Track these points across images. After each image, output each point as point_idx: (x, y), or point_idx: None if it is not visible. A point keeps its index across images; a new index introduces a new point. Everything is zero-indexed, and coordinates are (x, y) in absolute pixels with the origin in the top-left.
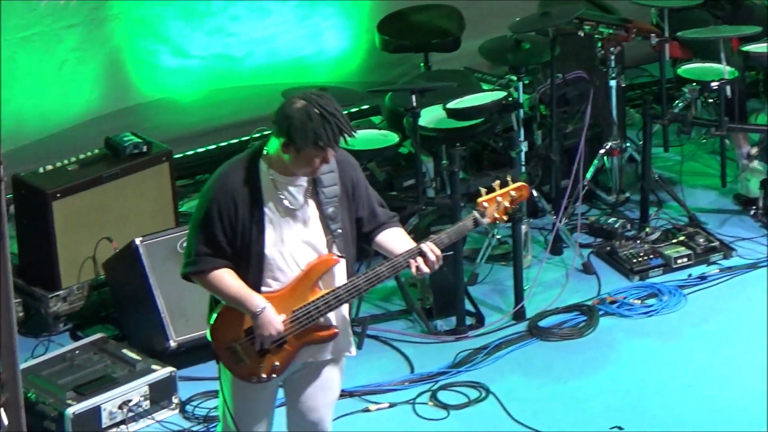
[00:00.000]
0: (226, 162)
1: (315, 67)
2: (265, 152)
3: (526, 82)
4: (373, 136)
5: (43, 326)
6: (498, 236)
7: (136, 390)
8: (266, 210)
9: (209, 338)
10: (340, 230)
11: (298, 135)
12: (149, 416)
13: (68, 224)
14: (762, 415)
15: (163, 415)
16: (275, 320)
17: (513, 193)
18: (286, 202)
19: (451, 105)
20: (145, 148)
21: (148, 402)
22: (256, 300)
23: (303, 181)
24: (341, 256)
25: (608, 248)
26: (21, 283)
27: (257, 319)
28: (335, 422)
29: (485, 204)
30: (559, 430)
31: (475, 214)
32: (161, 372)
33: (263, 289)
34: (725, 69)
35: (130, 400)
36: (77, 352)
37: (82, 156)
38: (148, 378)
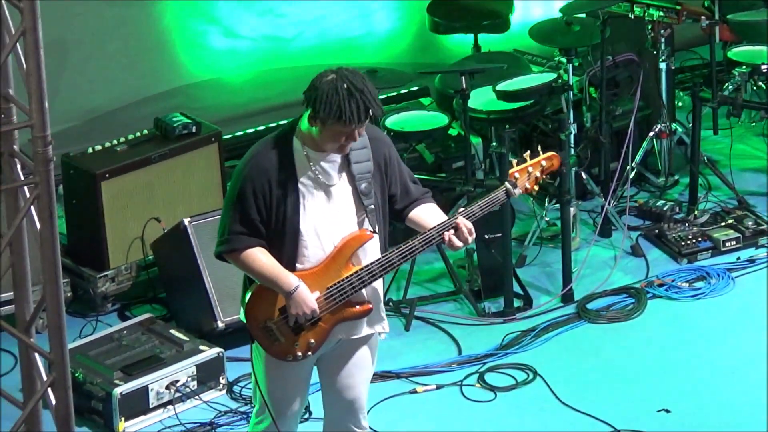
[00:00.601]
0: (259, 140)
1: (364, 48)
2: (298, 129)
3: (576, 64)
4: (422, 118)
5: (91, 306)
6: (547, 218)
7: (183, 370)
8: (300, 186)
9: (243, 319)
10: (372, 206)
11: (323, 107)
12: (196, 396)
13: (117, 205)
14: None
15: (210, 395)
16: (309, 298)
17: (544, 162)
18: (320, 178)
19: (500, 87)
20: (194, 129)
21: (195, 382)
22: (289, 279)
23: (336, 157)
24: (374, 232)
25: (657, 231)
26: (69, 263)
27: (291, 298)
28: (382, 404)
29: (516, 175)
30: (606, 412)
31: (507, 185)
32: (209, 353)
33: (297, 266)
34: None
35: (177, 381)
36: (125, 332)
37: (131, 136)
38: (196, 358)
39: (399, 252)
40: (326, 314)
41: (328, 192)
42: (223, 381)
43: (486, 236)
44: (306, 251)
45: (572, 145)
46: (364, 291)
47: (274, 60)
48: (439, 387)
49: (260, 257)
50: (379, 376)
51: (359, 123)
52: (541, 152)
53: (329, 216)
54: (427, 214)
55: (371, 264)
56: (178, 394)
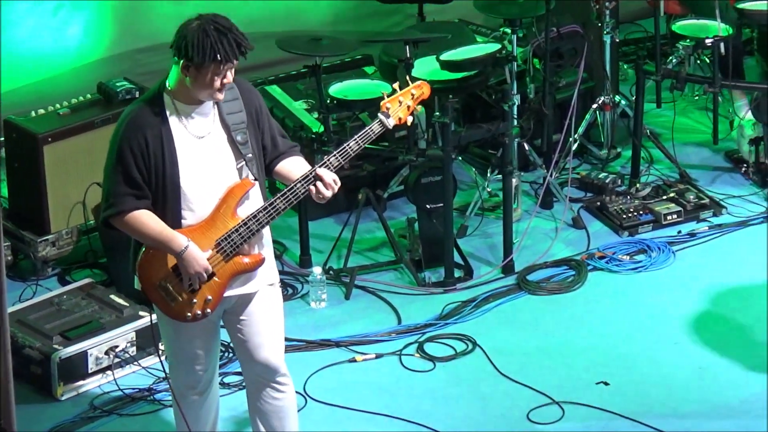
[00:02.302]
0: (132, 101)
1: (308, 15)
2: (167, 85)
3: (521, 35)
4: (366, 87)
5: (32, 270)
6: (489, 189)
7: (122, 336)
8: (176, 142)
9: (137, 285)
10: (251, 155)
11: (196, 51)
12: (135, 362)
13: (59, 169)
14: (746, 379)
15: (149, 361)
16: (200, 256)
17: (414, 91)
18: (194, 131)
19: (444, 56)
20: (137, 94)
21: (134, 348)
22: (178, 239)
23: (208, 109)
24: (256, 179)
25: (598, 203)
26: (10, 226)
27: (182, 258)
28: (321, 372)
29: (388, 105)
30: (545, 384)
31: (380, 116)
32: (148, 319)
33: (183, 222)
34: (720, 26)
35: (116, 346)
36: (65, 296)
37: (74, 101)
38: (135, 324)
39: (284, 197)
40: (219, 268)
41: (204, 145)
42: (161, 347)
43: (428, 206)
44: (190, 205)
45: (515, 116)
46: (253, 243)
47: None
48: (378, 356)
49: (146, 219)
50: (319, 345)
51: (234, 59)
52: (410, 83)
53: (208, 168)
54: (294, 167)
55: (257, 211)
56: (117, 360)
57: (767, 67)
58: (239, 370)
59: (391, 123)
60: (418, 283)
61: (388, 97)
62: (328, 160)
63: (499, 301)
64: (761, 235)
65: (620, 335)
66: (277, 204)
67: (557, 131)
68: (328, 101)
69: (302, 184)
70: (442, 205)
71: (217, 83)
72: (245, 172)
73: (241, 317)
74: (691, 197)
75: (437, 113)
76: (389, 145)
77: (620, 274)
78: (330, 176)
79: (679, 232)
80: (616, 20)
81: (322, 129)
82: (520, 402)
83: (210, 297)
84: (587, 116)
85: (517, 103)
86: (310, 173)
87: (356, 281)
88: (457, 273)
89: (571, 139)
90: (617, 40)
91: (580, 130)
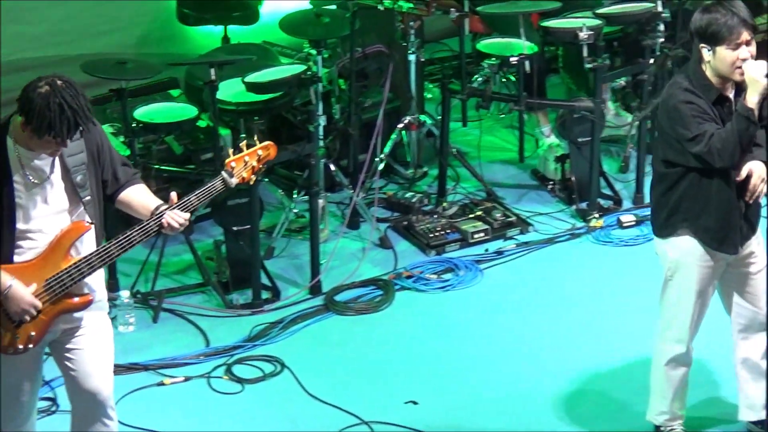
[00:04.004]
0: None
1: (113, 39)
2: (11, 128)
3: (326, 56)
4: (171, 109)
5: None
6: (295, 210)
7: None
8: (15, 185)
9: None
10: (89, 197)
11: (35, 121)
12: None
13: None
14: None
15: None
16: (24, 295)
17: (260, 152)
18: (33, 176)
19: (249, 78)
20: None
21: None
22: (1, 279)
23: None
24: (92, 223)
25: (405, 222)
26: None
27: (5, 296)
28: (129, 396)
29: (233, 164)
30: (354, 404)
31: (224, 174)
32: None
33: (16, 258)
34: (524, 44)
35: None
36: None
37: None
38: None
39: (117, 243)
40: (47, 306)
41: (42, 188)
42: None
43: (234, 228)
44: (24, 244)
45: (321, 137)
46: (84, 282)
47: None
48: (187, 379)
49: None
50: (127, 368)
51: (68, 139)
52: (257, 142)
53: (45, 211)
54: (137, 197)
55: (90, 255)
56: None
57: (572, 84)
58: None
59: (233, 182)
60: (226, 305)
61: (233, 155)
62: (166, 212)
63: (307, 322)
64: (568, 251)
65: (429, 354)
66: (111, 249)
67: (363, 151)
68: (134, 125)
69: (139, 233)
70: (248, 226)
71: (52, 148)
72: (82, 215)
73: (68, 346)
74: (498, 215)
75: (243, 135)
76: (196, 168)
77: (428, 293)
78: (177, 221)
79: (486, 250)
80: (421, 39)
81: (128, 152)
82: (330, 423)
83: (33, 333)
84: (393, 136)
85: (322, 124)
86: (147, 223)
87: (164, 304)
88: (265, 294)
89: (377, 159)
90: (422, 60)
91: (386, 149)
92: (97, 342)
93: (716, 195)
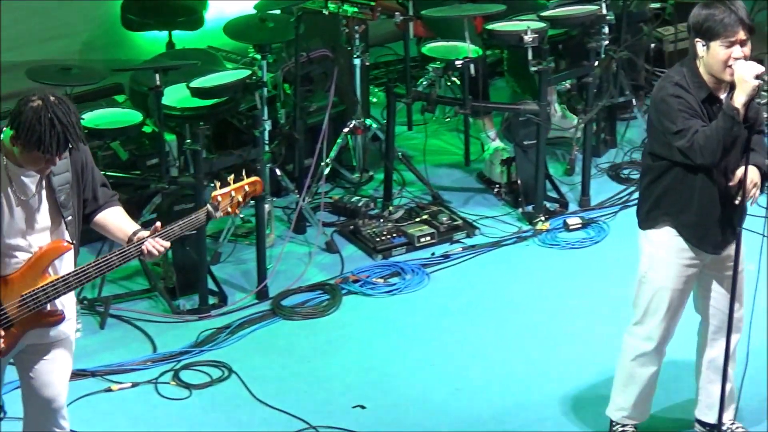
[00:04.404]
0: None
1: (58, 46)
2: (2, 143)
3: (270, 60)
4: (116, 115)
5: None
6: (241, 215)
7: None
8: (1, 197)
9: None
10: (71, 217)
11: (24, 135)
12: None
13: None
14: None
15: None
16: None
17: (247, 187)
18: (20, 192)
19: (194, 84)
20: None
21: None
22: None
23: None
24: (72, 243)
25: (352, 227)
26: None
27: None
28: (77, 402)
29: (219, 198)
30: (302, 409)
31: (209, 207)
32: None
33: None
34: (469, 47)
35: None
36: None
37: None
38: None
39: (96, 265)
40: (19, 321)
41: (26, 204)
42: None
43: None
44: (4, 260)
45: (266, 142)
46: (58, 300)
47: None
48: (134, 385)
49: None
50: (74, 375)
51: (57, 154)
52: (245, 177)
53: (28, 228)
54: (114, 220)
55: (68, 275)
56: None
57: (517, 87)
58: None
59: (218, 215)
60: (173, 311)
61: (220, 188)
62: (148, 239)
63: (254, 327)
64: (514, 255)
65: (376, 358)
66: (89, 270)
67: (309, 156)
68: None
69: (118, 257)
70: (194, 232)
71: (40, 165)
72: (62, 234)
73: (33, 356)
74: (444, 219)
75: (188, 140)
76: (141, 173)
77: (375, 297)
78: (158, 249)
79: (433, 254)
80: (365, 44)
81: None
82: (277, 427)
83: (3, 345)
84: (339, 140)
85: (268, 129)
86: (128, 249)
87: (111, 310)
88: (212, 300)
89: (323, 163)
90: (367, 64)
91: (332, 154)
92: (59, 355)
93: (699, 192)
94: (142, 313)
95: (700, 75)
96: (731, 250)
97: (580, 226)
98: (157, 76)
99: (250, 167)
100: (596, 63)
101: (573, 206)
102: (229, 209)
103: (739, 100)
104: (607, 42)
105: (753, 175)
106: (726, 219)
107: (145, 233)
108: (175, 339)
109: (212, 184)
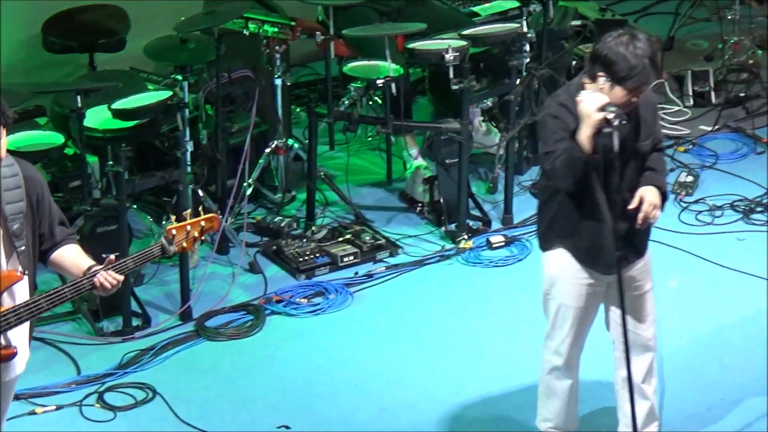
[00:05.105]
0: None
1: None
2: None
3: (192, 81)
4: (38, 137)
5: None
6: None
7: None
8: None
9: None
10: (24, 247)
11: None
12: None
13: None
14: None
15: None
16: None
17: (203, 223)
18: None
19: (116, 105)
20: None
21: None
22: None
23: None
24: (24, 273)
25: (274, 247)
26: None
27: None
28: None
29: (174, 231)
30: (226, 430)
31: (163, 241)
32: None
33: None
34: (390, 66)
35: None
36: None
37: None
38: None
39: (48, 297)
40: None
41: None
42: None
43: (103, 255)
44: None
45: (188, 163)
46: (9, 334)
47: None
48: (58, 407)
49: None
50: None
51: None
52: (202, 213)
53: None
54: (70, 257)
55: (18, 306)
56: None
57: (440, 106)
58: None
59: (172, 250)
60: (97, 333)
61: (176, 222)
62: (100, 272)
63: (177, 348)
64: (438, 273)
65: (300, 378)
66: (41, 303)
67: (231, 176)
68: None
69: (71, 290)
70: (119, 254)
71: None
72: (15, 264)
73: None
74: (367, 238)
75: (110, 162)
76: (64, 196)
77: (298, 317)
78: (110, 282)
79: (356, 273)
80: (287, 63)
81: None
82: None
83: None
84: (261, 161)
85: (190, 150)
86: (80, 281)
87: (34, 333)
88: (135, 321)
89: (245, 184)
90: (288, 84)
91: (254, 174)
92: (6, 391)
93: (587, 215)
94: (66, 335)
95: None
96: (636, 270)
97: (503, 244)
98: (79, 98)
99: (172, 188)
100: (518, 81)
101: (496, 224)
102: (185, 244)
103: (583, 133)
104: (528, 60)
105: (652, 196)
106: (625, 239)
107: (97, 267)
108: (99, 361)
109: (168, 219)
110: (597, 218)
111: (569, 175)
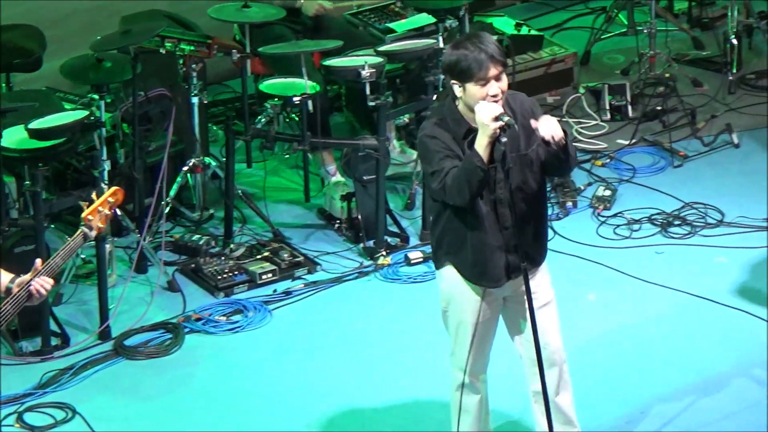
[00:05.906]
0: None
1: None
2: None
3: (108, 100)
4: None
5: None
6: (82, 256)
7: None
8: None
9: None
10: None
11: None
12: None
13: None
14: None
15: None
16: None
17: (110, 199)
18: None
19: (32, 125)
20: None
21: None
22: None
23: None
24: None
25: (193, 265)
26: None
27: None
28: None
29: (89, 217)
30: None
31: (83, 228)
32: None
33: None
34: (307, 83)
35: None
36: None
37: None
38: None
39: None
40: None
41: None
42: None
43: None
44: None
45: (106, 182)
46: None
47: None
48: None
49: None
50: None
51: None
52: (105, 190)
53: None
54: None
55: None
56: None
57: (356, 122)
58: None
59: (92, 234)
60: (15, 353)
61: (87, 207)
62: (33, 280)
63: (97, 367)
64: (356, 290)
65: (221, 396)
66: None
67: (149, 195)
68: None
69: (11, 305)
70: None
71: None
72: None
73: None
74: (286, 255)
75: (27, 182)
76: None
77: (217, 335)
78: (45, 287)
79: (275, 290)
80: (203, 82)
81: None
82: None
83: None
84: (178, 179)
85: (107, 169)
86: (17, 294)
87: None
88: (54, 341)
89: (163, 202)
90: (205, 102)
91: (172, 193)
92: None
93: (471, 232)
94: None
95: (458, 111)
96: (535, 282)
97: (421, 260)
98: None
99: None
100: (434, 96)
101: (414, 240)
102: (100, 225)
103: (480, 143)
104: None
105: (548, 119)
106: (517, 250)
107: (26, 277)
108: (18, 381)
109: (81, 203)
110: (481, 231)
111: (465, 189)
